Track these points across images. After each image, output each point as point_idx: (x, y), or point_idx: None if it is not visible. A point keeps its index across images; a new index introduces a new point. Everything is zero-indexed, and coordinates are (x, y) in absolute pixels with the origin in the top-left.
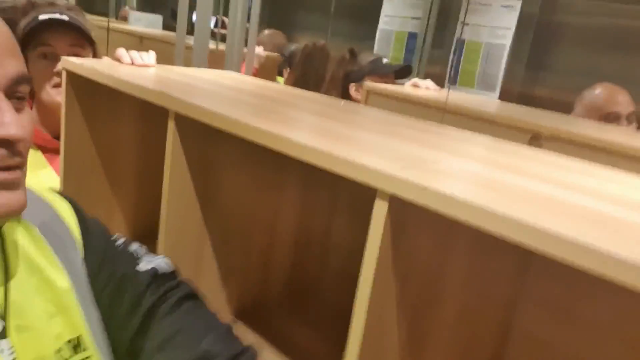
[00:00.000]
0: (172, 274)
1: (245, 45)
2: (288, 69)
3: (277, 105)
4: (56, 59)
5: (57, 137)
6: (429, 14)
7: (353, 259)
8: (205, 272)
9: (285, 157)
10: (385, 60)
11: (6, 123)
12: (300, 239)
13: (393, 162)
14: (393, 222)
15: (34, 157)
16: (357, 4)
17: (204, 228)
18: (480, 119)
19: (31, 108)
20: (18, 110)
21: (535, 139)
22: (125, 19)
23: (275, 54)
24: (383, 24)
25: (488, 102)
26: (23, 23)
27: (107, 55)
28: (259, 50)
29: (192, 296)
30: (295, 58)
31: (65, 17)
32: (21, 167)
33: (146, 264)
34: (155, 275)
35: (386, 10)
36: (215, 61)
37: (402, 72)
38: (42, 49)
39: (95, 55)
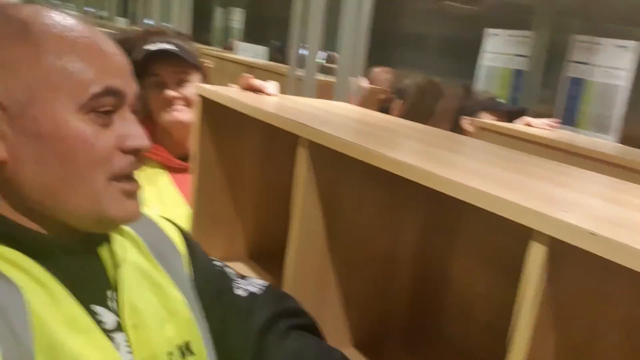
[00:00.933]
0: (279, 298)
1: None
2: (397, 101)
3: (397, 137)
4: (165, 86)
5: (176, 156)
6: (536, 52)
7: (474, 294)
8: (327, 300)
9: (409, 185)
10: (501, 100)
11: (140, 135)
12: (420, 270)
13: (542, 202)
14: (550, 266)
15: (156, 172)
16: (454, 41)
17: (328, 255)
18: (604, 162)
19: (149, 130)
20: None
21: None
22: (231, 49)
23: (378, 87)
24: (486, 60)
25: (608, 144)
26: (134, 55)
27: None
28: (364, 82)
29: (303, 323)
30: (407, 92)
31: (171, 47)
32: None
33: (248, 286)
34: (256, 297)
35: (488, 46)
36: (323, 93)
37: (515, 114)
38: (152, 79)
39: (204, 79)
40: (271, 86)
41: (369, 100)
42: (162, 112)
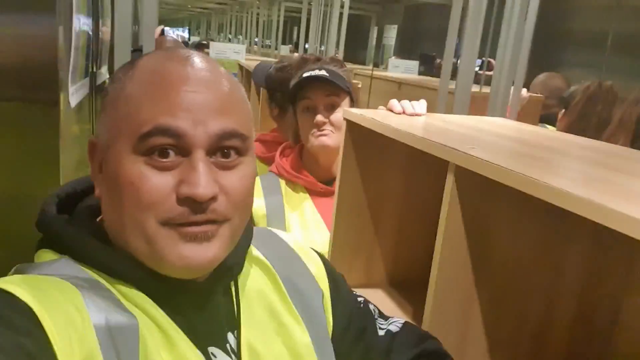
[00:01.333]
0: (418, 337)
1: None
2: (562, 110)
3: (561, 157)
4: (315, 111)
5: (321, 181)
6: None
7: None
8: (471, 339)
9: (573, 216)
10: None
11: (197, 183)
12: (583, 310)
13: None
14: None
15: (300, 196)
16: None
17: (474, 289)
18: None
19: (296, 154)
20: (226, 167)
21: None
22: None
23: (539, 96)
24: None
25: None
26: (292, 81)
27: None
28: (522, 92)
29: None
30: (573, 99)
31: (323, 73)
32: (216, 222)
33: (389, 326)
34: (394, 336)
35: None
36: (477, 105)
37: None
38: (304, 102)
39: (352, 101)
40: (418, 106)
41: (530, 112)
42: (310, 137)
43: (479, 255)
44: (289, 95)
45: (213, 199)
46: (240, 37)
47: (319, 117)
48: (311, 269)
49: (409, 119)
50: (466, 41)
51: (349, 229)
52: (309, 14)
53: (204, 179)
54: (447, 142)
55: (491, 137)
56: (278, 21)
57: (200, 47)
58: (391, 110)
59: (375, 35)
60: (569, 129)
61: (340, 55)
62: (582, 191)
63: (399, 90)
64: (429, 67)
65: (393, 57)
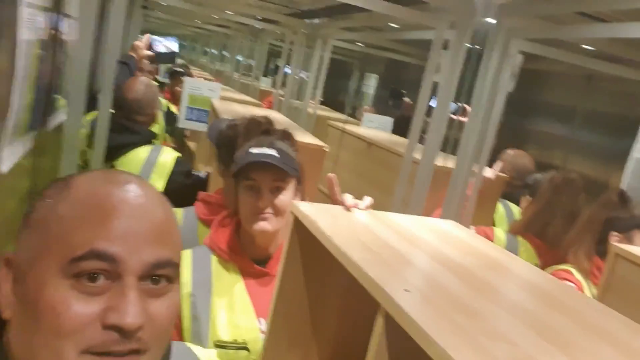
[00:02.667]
0: None
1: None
2: (527, 197)
3: (496, 308)
4: (259, 192)
5: (256, 258)
6: None
7: None
8: None
9: None
10: None
11: (127, 312)
12: None
13: None
14: None
15: (232, 276)
16: (607, 122)
17: None
18: None
19: (234, 228)
20: (156, 294)
21: None
22: (359, 117)
23: (503, 175)
24: (638, 152)
25: None
26: (238, 154)
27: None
28: (488, 171)
29: None
30: (539, 187)
31: (273, 153)
32: (139, 352)
33: None
34: None
35: None
36: (440, 178)
37: None
38: (248, 182)
39: (299, 182)
40: (363, 204)
41: (492, 190)
42: (250, 218)
43: None
44: (234, 171)
45: (139, 327)
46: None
47: (262, 202)
48: None
49: (354, 224)
50: (436, 113)
51: (287, 322)
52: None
53: (134, 308)
54: (381, 273)
55: (431, 261)
56: (260, 55)
57: (176, 75)
58: (341, 203)
59: (355, 83)
60: (534, 219)
61: (317, 97)
62: None
63: (368, 149)
64: (397, 103)
65: (367, 107)
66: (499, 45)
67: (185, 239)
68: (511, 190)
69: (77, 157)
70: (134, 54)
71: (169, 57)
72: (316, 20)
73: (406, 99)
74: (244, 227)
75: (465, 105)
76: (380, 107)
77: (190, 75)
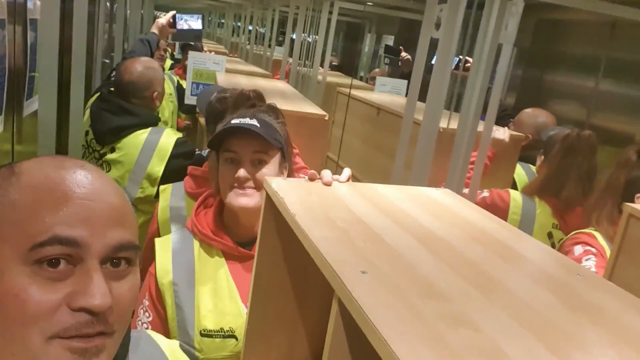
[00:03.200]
0: None
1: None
2: (542, 157)
3: (510, 304)
4: (240, 164)
5: (240, 244)
6: None
7: None
8: None
9: None
10: None
11: (95, 294)
12: None
13: None
14: None
15: (215, 261)
16: (633, 71)
17: None
18: None
19: (216, 209)
20: (117, 277)
21: None
22: (374, 80)
23: (518, 134)
24: None
25: None
26: (219, 126)
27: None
28: (501, 132)
29: None
30: (552, 146)
31: (254, 122)
32: (106, 334)
33: None
34: None
35: None
36: (444, 140)
37: None
38: (227, 154)
39: (284, 156)
40: (343, 176)
41: (508, 152)
42: (230, 193)
43: None
44: (213, 141)
45: (109, 308)
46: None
47: (242, 173)
48: None
49: (328, 199)
50: (435, 72)
51: (269, 304)
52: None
53: (101, 289)
54: (339, 254)
55: (405, 242)
56: (272, 24)
57: (187, 49)
58: (317, 179)
59: (368, 44)
60: (547, 180)
61: (326, 62)
62: None
63: (377, 116)
64: (394, 61)
65: (377, 70)
66: None
67: (175, 212)
68: (534, 152)
69: (60, 141)
70: (156, 31)
71: (193, 34)
72: None
73: (404, 55)
74: (225, 203)
75: (468, 58)
76: (396, 70)
77: (201, 49)
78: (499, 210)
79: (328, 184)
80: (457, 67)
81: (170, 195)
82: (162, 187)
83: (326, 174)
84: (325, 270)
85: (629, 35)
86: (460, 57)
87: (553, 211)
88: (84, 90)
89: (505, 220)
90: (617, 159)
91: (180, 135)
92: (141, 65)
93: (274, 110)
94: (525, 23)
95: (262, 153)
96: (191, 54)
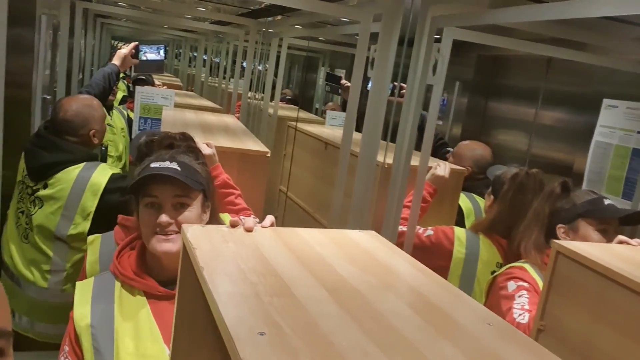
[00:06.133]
0: None
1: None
2: (491, 197)
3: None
4: (161, 209)
5: (162, 283)
6: None
7: None
8: None
9: None
10: (607, 202)
11: None
12: None
13: None
14: None
15: (137, 301)
16: (570, 101)
17: None
18: None
19: (139, 250)
20: None
21: None
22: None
23: (461, 169)
24: (599, 135)
25: None
26: (137, 170)
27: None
28: (442, 167)
29: None
30: (502, 185)
31: (174, 166)
32: None
33: None
34: None
35: (603, 120)
36: (384, 173)
37: (628, 220)
38: (148, 199)
39: (206, 196)
40: (266, 222)
41: (451, 186)
42: (152, 239)
43: None
44: (133, 187)
45: None
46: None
47: (164, 218)
48: None
49: (244, 247)
50: (370, 105)
51: (193, 349)
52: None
53: None
54: (240, 312)
55: (316, 294)
56: (227, 54)
57: (139, 83)
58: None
59: (322, 77)
60: (498, 219)
61: (277, 95)
62: None
63: (325, 150)
64: (335, 88)
65: (330, 104)
66: (425, 35)
67: (105, 266)
68: (473, 183)
69: None
70: (117, 62)
71: (156, 65)
72: (269, 19)
73: (344, 82)
74: (148, 247)
75: (402, 85)
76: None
77: (152, 83)
78: (444, 248)
79: (249, 230)
80: (392, 93)
81: (99, 248)
82: (89, 238)
83: (249, 220)
84: (223, 332)
85: (564, 68)
86: (395, 83)
87: (498, 249)
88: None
89: (450, 257)
90: (543, 191)
91: (117, 170)
92: (78, 103)
93: (192, 151)
94: (467, 58)
95: (183, 197)
96: (138, 89)
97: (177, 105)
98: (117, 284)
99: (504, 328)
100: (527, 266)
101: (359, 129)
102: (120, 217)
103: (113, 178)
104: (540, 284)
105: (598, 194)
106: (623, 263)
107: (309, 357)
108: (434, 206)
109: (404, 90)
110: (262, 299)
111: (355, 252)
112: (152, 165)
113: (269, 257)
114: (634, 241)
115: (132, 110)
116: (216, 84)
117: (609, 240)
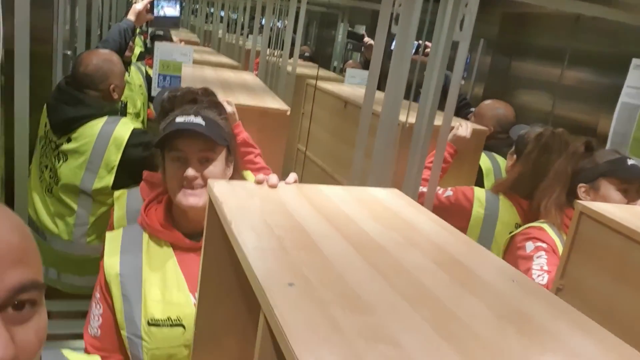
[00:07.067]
0: None
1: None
2: (514, 156)
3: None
4: (187, 163)
5: (188, 236)
6: None
7: None
8: None
9: None
10: (631, 162)
11: None
12: None
13: None
14: None
15: (164, 252)
16: (596, 62)
17: None
18: None
19: (165, 204)
20: (20, 321)
21: None
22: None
23: (483, 128)
24: (626, 96)
25: None
26: (163, 124)
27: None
28: (464, 127)
29: None
30: (525, 145)
31: (199, 121)
32: None
33: None
34: None
35: (632, 80)
36: (405, 133)
37: None
38: (174, 153)
39: (230, 153)
40: (290, 179)
41: (472, 145)
42: (179, 193)
43: None
44: (157, 142)
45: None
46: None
47: (190, 172)
48: None
49: (270, 203)
50: (394, 64)
51: (219, 301)
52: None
53: (3, 341)
54: (269, 265)
55: (341, 249)
56: (244, 10)
57: (156, 39)
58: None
59: (341, 34)
60: (520, 179)
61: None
62: None
63: (345, 109)
64: (357, 46)
65: (350, 62)
66: None
67: (132, 220)
68: (495, 142)
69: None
70: (132, 18)
71: (172, 21)
72: None
73: (367, 40)
74: (174, 202)
75: (427, 43)
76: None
77: (170, 39)
78: (463, 208)
79: (274, 187)
80: (417, 51)
81: (126, 203)
82: (116, 193)
83: (273, 177)
84: (253, 283)
85: (592, 27)
86: (420, 42)
87: (518, 211)
88: (28, 85)
89: (469, 218)
90: (566, 151)
91: (138, 125)
92: (98, 57)
93: (216, 106)
94: (492, 15)
95: (208, 151)
96: (157, 44)
97: (196, 62)
98: (145, 236)
99: (529, 285)
100: (545, 226)
101: (380, 88)
102: (145, 173)
103: (135, 132)
104: (559, 244)
105: (621, 153)
106: None
107: (339, 307)
108: (454, 166)
109: (428, 49)
110: (289, 253)
111: (379, 209)
112: (178, 120)
113: (293, 212)
114: None
115: (150, 67)
116: (233, 41)
117: (630, 200)
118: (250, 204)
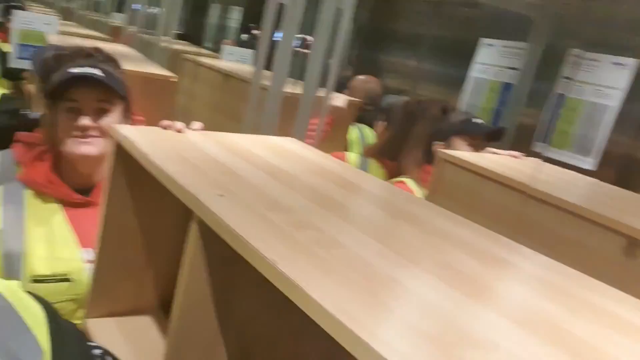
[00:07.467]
0: None
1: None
2: (384, 123)
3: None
4: (80, 113)
5: (79, 191)
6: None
7: None
8: None
9: None
10: (477, 121)
11: None
12: None
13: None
14: None
15: (50, 208)
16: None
17: (219, 336)
18: (566, 212)
19: (52, 159)
20: None
21: (633, 246)
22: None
23: (357, 100)
24: (476, 71)
25: (580, 181)
26: (55, 76)
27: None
28: (340, 99)
29: None
30: (393, 113)
31: (96, 72)
32: None
33: None
34: None
35: (480, 57)
36: (290, 106)
37: (494, 135)
38: (68, 104)
39: (127, 108)
40: (195, 125)
41: (347, 115)
42: (69, 141)
43: (222, 308)
44: (49, 91)
45: None
46: None
47: (85, 120)
48: (28, 322)
49: (180, 143)
50: (283, 39)
51: (117, 252)
52: None
53: None
54: (194, 181)
55: (260, 175)
56: None
57: (10, 10)
58: (168, 127)
59: (215, 14)
60: (389, 143)
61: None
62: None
63: (224, 81)
64: (249, 37)
65: (227, 40)
66: None
67: (6, 179)
68: (364, 114)
69: None
70: None
71: None
72: None
73: (256, 32)
74: (65, 153)
75: (307, 37)
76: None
77: (24, 9)
78: None
79: (180, 131)
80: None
81: None
82: None
83: (178, 123)
84: (184, 195)
85: (446, 13)
86: (303, 36)
87: (386, 172)
88: None
89: None
90: (425, 115)
91: (5, 91)
92: None
93: (113, 60)
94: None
95: (105, 102)
96: (16, 12)
97: (62, 33)
98: (27, 193)
99: (411, 198)
100: (406, 180)
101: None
102: (19, 134)
103: (2, 99)
104: (418, 194)
105: (470, 114)
106: (493, 164)
107: (267, 209)
108: (329, 135)
109: (309, 42)
110: (210, 175)
111: (281, 150)
112: (73, 70)
113: (206, 150)
114: (500, 151)
115: (3, 39)
116: (96, 18)
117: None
118: (162, 144)
